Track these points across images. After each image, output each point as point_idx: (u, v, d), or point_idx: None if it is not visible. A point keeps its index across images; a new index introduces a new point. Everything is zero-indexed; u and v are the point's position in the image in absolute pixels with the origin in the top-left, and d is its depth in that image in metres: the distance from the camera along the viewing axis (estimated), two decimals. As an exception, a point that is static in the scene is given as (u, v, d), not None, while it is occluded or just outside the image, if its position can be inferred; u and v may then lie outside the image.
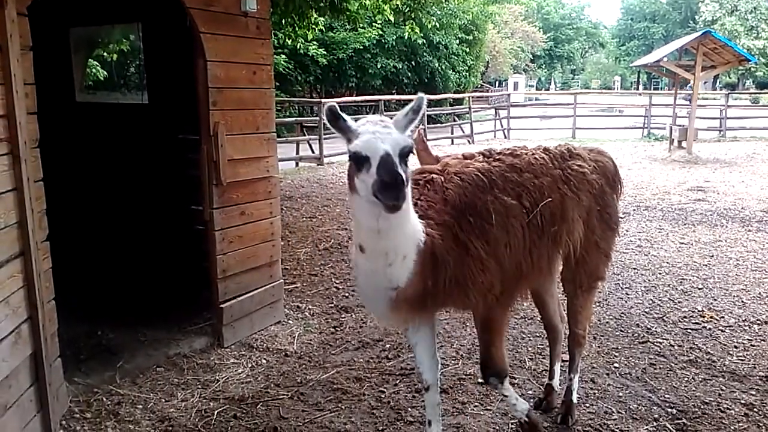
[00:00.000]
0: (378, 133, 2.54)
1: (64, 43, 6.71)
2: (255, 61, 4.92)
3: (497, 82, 58.69)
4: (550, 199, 3.27)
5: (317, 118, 17.18)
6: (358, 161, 2.53)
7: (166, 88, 6.16)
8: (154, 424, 3.85)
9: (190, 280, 5.41)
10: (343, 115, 2.64)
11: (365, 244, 2.80)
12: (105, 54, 8.30)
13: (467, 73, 33.87)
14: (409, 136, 2.64)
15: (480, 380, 4.40)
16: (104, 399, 4.09)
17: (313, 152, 16.77)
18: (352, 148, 2.56)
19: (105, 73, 8.84)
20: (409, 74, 30.27)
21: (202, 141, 4.66)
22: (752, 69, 54.42)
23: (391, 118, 2.70)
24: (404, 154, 2.54)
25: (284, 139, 16.70)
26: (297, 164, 16.34)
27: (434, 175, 3.16)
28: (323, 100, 18.83)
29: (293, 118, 20.08)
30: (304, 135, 17.07)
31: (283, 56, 22.57)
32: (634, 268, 7.08)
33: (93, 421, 3.84)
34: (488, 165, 3.28)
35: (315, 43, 23.86)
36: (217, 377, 4.47)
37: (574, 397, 3.92)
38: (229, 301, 4.95)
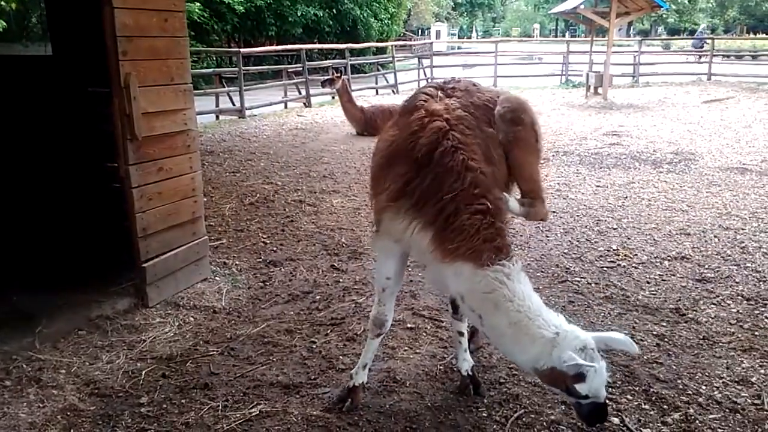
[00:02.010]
0: (600, 376, 2.74)
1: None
2: (166, 7, 4.66)
3: (420, 31, 58.38)
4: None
5: (236, 68, 16.62)
6: (578, 395, 2.77)
7: (72, 38, 5.79)
8: (79, 388, 3.74)
9: (110, 241, 5.22)
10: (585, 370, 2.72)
11: (496, 346, 3.37)
12: (3, 3, 7.71)
13: (389, 21, 33.52)
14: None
15: (410, 325, 4.51)
16: (24, 365, 3.94)
17: (233, 105, 16.29)
18: (579, 389, 2.73)
19: (3, 23, 8.24)
20: (331, 22, 29.68)
21: (113, 94, 4.43)
22: (664, 16, 56.28)
23: None
24: None
25: (202, 91, 16.12)
26: (217, 117, 15.84)
27: (453, 133, 3.04)
28: (242, 50, 18.25)
29: (211, 69, 19.35)
30: (224, 87, 16.51)
31: (198, 4, 21.63)
32: (554, 212, 7.33)
33: (14, 389, 3.69)
34: (457, 99, 3.27)
35: (231, -11, 22.99)
36: (143, 337, 4.37)
37: None
38: (152, 260, 4.81)
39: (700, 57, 24.66)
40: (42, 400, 3.60)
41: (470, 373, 3.68)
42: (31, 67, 6.39)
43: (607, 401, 2.89)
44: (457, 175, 2.94)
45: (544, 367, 2.77)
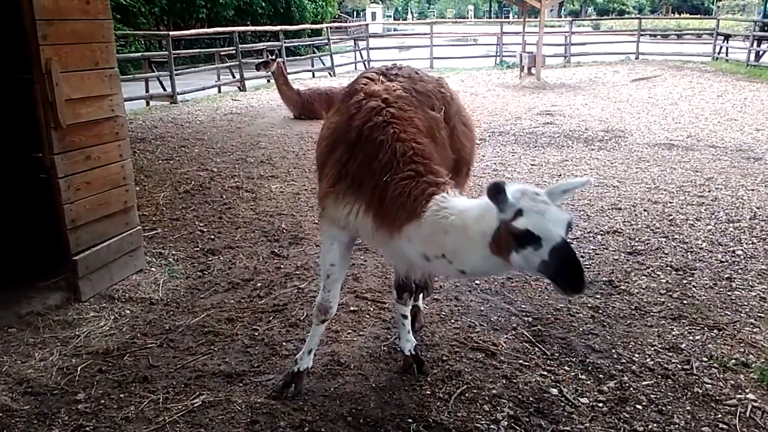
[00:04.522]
0: (548, 213, 2.47)
1: None
2: (87, -11, 4.47)
3: (355, 13, 58.03)
4: (444, 106, 3.39)
5: (166, 52, 16.11)
6: (525, 238, 2.45)
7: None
8: (11, 387, 3.59)
9: (38, 234, 5.00)
10: (506, 189, 2.49)
11: (472, 275, 3.18)
12: None
13: (324, 3, 33.15)
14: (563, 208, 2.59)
15: (353, 308, 4.51)
16: (-50, 368, 3.75)
17: (164, 90, 15.81)
18: (518, 225, 2.45)
19: None
20: (264, 4, 29.11)
21: (34, 80, 4.22)
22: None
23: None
24: (568, 232, 2.52)
25: (131, 76, 15.58)
26: (148, 103, 15.35)
27: (388, 110, 3.02)
28: (171, 33, 17.70)
29: (139, 53, 18.68)
30: (153, 71, 15.98)
31: (124, -14, 20.82)
32: (492, 191, 7.43)
33: (-62, 393, 3.52)
34: (399, 83, 3.26)
35: (158, -30, 22.25)
36: (77, 333, 4.22)
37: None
38: (83, 253, 4.64)
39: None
40: (-30, 403, 3.43)
41: (413, 352, 3.71)
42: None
43: (573, 250, 2.52)
44: (386, 148, 2.92)
45: (493, 233, 2.56)
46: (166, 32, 18.86)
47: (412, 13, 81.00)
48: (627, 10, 64.42)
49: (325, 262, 3.37)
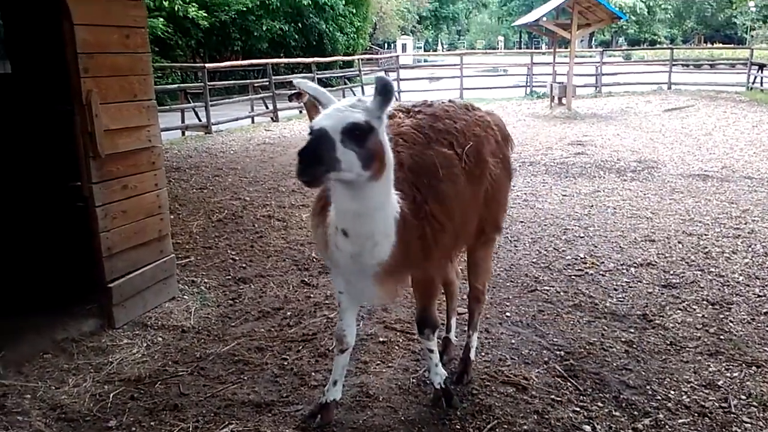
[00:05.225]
0: (336, 109, 2.57)
1: None
2: (127, 23, 4.62)
3: (386, 44, 58.81)
4: (471, 144, 3.37)
5: (202, 84, 16.49)
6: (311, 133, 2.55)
7: (32, 56, 5.68)
8: (45, 413, 3.64)
9: (75, 261, 5.10)
10: (317, 89, 2.79)
11: (349, 228, 2.81)
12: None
13: (355, 35, 33.63)
14: (378, 116, 2.63)
15: (382, 339, 4.49)
16: (-14, 392, 3.82)
17: (199, 120, 16.14)
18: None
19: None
20: (297, 37, 29.67)
21: (74, 112, 4.36)
22: (624, 27, 57.60)
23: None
24: (349, 131, 2.51)
25: (167, 107, 15.96)
26: (183, 133, 15.69)
27: None
28: (207, 65, 18.12)
29: (176, 85, 19.15)
30: (189, 102, 16.36)
31: (161, 19, 21.42)
32: (522, 222, 7.41)
33: (-25, 417, 3.58)
34: (416, 120, 3.30)
35: (194, 4, 22.85)
36: (110, 359, 4.28)
37: (472, 355, 4.04)
38: (118, 280, 4.72)
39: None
40: (7, 427, 3.49)
41: (443, 385, 3.67)
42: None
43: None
44: None
45: None
46: (201, 64, 19.30)
47: (442, 44, 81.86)
48: (658, 40, 64.19)
49: (335, 290, 3.43)
